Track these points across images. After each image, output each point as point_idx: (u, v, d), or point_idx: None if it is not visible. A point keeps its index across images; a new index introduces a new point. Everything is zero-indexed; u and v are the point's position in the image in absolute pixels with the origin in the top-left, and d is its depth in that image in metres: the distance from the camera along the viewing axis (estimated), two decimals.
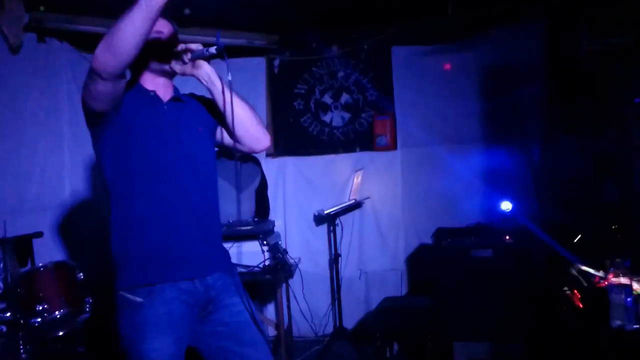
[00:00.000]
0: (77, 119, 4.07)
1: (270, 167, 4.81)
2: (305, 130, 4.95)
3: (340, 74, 4.90)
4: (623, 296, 2.16)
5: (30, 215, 3.66)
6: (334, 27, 4.79)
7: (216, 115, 2.10)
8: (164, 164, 1.93)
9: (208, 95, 2.08)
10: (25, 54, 3.68)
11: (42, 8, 3.74)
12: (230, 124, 1.97)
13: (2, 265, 3.14)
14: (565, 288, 2.96)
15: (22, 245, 3.36)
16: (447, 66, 4.62)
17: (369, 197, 4.75)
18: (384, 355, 3.93)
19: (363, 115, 4.88)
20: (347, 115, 4.91)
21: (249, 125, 2.06)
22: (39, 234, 3.52)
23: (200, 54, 1.92)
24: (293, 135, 4.96)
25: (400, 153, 4.78)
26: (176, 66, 1.97)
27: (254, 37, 4.77)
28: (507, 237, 3.66)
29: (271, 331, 4.42)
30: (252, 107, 2.10)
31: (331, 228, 4.58)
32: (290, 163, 4.87)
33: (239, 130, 2.03)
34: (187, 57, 1.93)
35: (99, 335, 3.83)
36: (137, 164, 1.91)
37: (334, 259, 4.54)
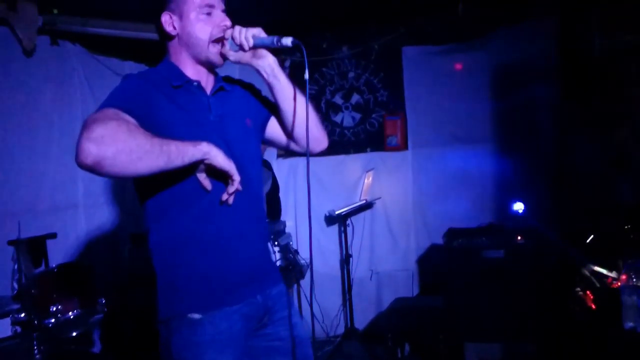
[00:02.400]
0: None
1: (282, 167, 4.82)
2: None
3: (351, 74, 4.90)
4: (635, 297, 2.15)
5: (44, 216, 3.69)
6: (344, 28, 4.79)
7: (269, 107, 1.89)
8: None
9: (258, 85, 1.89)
10: (39, 56, 3.72)
11: (55, 11, 3.77)
12: (291, 125, 1.82)
13: (16, 266, 3.18)
14: (578, 289, 2.94)
15: (36, 246, 3.39)
16: (458, 66, 4.60)
17: (379, 198, 4.74)
18: (395, 356, 3.92)
19: (374, 115, 4.87)
20: (357, 116, 4.91)
21: (313, 125, 1.80)
22: (53, 235, 3.55)
23: (267, 43, 1.67)
24: None
25: (411, 153, 4.77)
26: (230, 52, 1.70)
27: None
28: (519, 238, 3.64)
29: None
30: (313, 107, 1.86)
31: (342, 228, 4.59)
32: (301, 164, 4.87)
33: (299, 130, 1.84)
34: (248, 43, 1.67)
35: (112, 336, 3.87)
36: (177, 172, 1.58)
37: (345, 260, 4.54)
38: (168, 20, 1.71)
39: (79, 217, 4.01)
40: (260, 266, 1.79)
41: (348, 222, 4.62)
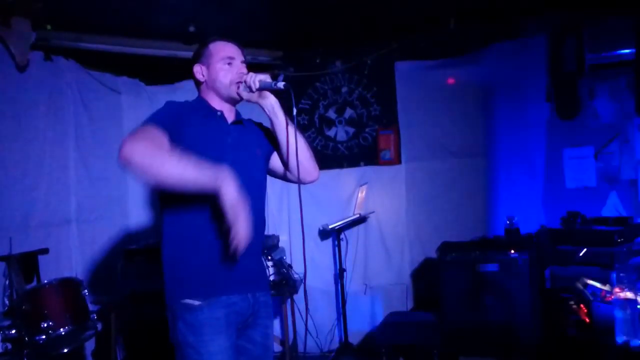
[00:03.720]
0: (83, 135, 4.12)
1: (275, 181, 4.79)
2: (310, 145, 4.95)
3: (344, 89, 4.92)
4: (628, 311, 2.15)
5: (36, 231, 3.67)
6: (337, 43, 4.82)
7: (272, 142, 2.24)
8: None
9: (265, 123, 2.24)
10: (32, 72, 3.72)
11: (48, 27, 3.78)
12: (286, 155, 2.17)
13: (7, 282, 3.16)
14: (572, 302, 2.95)
15: (28, 262, 3.37)
16: (451, 80, 4.63)
17: (373, 212, 4.74)
18: None
19: (367, 129, 4.89)
20: (351, 130, 4.93)
21: (304, 158, 2.19)
22: (45, 251, 3.53)
23: (268, 86, 2.06)
24: None
25: (405, 167, 4.78)
26: (243, 93, 2.10)
27: (258, 53, 4.81)
28: (513, 251, 3.64)
29: (276, 347, 4.40)
30: (307, 142, 2.27)
31: (336, 243, 4.58)
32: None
33: (294, 161, 2.16)
34: (255, 85, 2.06)
35: (105, 352, 3.83)
36: None
37: (339, 274, 4.53)
38: (199, 71, 2.16)
39: (72, 233, 3.98)
40: (255, 270, 2.10)
41: (342, 236, 4.61)
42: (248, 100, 2.12)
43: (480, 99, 4.50)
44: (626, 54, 3.93)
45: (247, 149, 2.16)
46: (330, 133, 4.95)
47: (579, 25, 3.98)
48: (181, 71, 4.49)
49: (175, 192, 1.82)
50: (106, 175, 4.30)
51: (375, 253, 4.78)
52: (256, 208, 2.06)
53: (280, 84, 2.05)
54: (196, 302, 1.93)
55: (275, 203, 4.65)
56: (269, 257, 3.85)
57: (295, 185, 5.04)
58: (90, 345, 3.97)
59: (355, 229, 4.77)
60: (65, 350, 2.80)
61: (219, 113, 2.13)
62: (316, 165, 2.28)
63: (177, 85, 4.76)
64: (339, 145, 4.95)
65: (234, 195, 1.79)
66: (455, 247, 3.88)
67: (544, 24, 4.21)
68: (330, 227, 4.41)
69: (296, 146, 2.12)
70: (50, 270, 3.55)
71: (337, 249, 4.57)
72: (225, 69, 2.12)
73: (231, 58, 2.14)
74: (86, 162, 4.10)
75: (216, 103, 2.15)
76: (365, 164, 4.88)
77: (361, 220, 4.72)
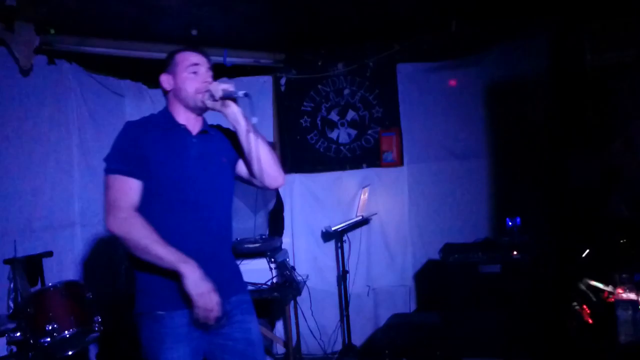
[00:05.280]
0: (86, 138, 4.13)
1: None
2: (312, 147, 4.97)
3: (346, 91, 4.93)
4: (630, 311, 2.15)
5: (40, 235, 3.69)
6: (339, 45, 4.84)
7: (238, 149, 2.27)
8: (188, 196, 2.09)
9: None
10: (36, 75, 3.74)
11: (52, 31, 3.80)
12: (250, 162, 2.21)
13: (12, 285, 3.17)
14: (575, 303, 2.95)
15: (32, 265, 3.38)
16: (453, 82, 4.64)
17: (376, 213, 4.75)
18: None
19: (369, 131, 4.90)
20: (353, 132, 4.94)
21: (266, 164, 2.22)
22: (49, 254, 3.54)
23: (230, 95, 2.12)
24: (300, 153, 4.98)
25: (407, 169, 4.79)
26: (207, 101, 2.15)
27: (260, 56, 4.82)
28: (515, 253, 3.65)
29: (280, 349, 4.42)
30: (272, 148, 2.28)
31: (339, 244, 4.59)
32: (298, 180, 4.89)
33: (256, 167, 2.21)
34: (218, 94, 2.12)
35: (109, 355, 3.84)
36: (162, 195, 2.07)
37: (342, 276, 4.54)
38: (165, 80, 2.21)
39: (75, 236, 4.00)
40: (225, 278, 2.11)
41: (345, 238, 4.63)
42: (212, 109, 2.17)
43: (482, 100, 4.50)
44: (627, 54, 3.92)
45: (212, 159, 2.21)
46: (333, 135, 4.96)
47: (580, 25, 3.98)
48: None
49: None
50: None
51: (378, 255, 4.78)
52: (221, 215, 2.21)
53: (241, 92, 2.11)
54: (160, 312, 2.03)
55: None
56: (272, 260, 3.86)
57: (298, 188, 5.10)
58: (94, 348, 3.98)
59: (358, 231, 4.78)
60: (70, 353, 2.81)
61: (182, 127, 2.18)
62: (281, 171, 2.31)
63: None
64: (342, 148, 4.96)
65: (192, 283, 1.93)
66: (458, 248, 3.89)
67: (545, 24, 4.22)
68: (333, 229, 4.42)
69: (257, 150, 2.17)
70: (54, 273, 3.58)
71: (339, 250, 4.58)
72: (191, 77, 2.17)
73: (196, 65, 2.18)
74: (90, 165, 4.11)
75: (181, 114, 2.20)
76: (368, 166, 4.89)
77: (364, 222, 4.73)
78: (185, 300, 1.98)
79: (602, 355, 2.39)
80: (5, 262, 3.22)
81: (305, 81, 4.97)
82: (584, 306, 2.81)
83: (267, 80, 4.93)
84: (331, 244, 4.81)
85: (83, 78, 4.19)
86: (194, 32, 4.10)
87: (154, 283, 2.05)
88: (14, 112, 3.60)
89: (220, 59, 4.41)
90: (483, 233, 4.26)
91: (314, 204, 4.86)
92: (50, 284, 2.99)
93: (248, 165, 2.26)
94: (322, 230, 4.77)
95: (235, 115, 2.16)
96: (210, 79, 2.19)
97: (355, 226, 4.68)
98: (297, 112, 4.98)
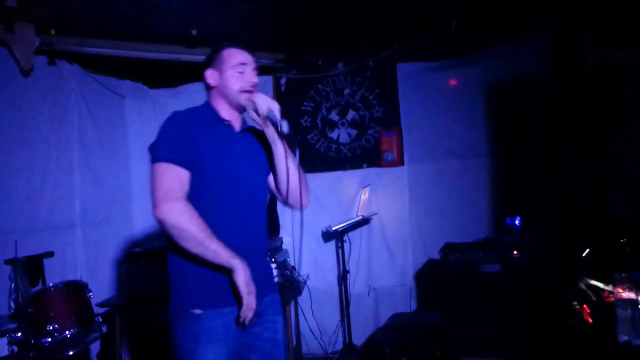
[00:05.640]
0: (87, 139, 4.14)
1: None
2: (313, 147, 4.98)
3: (347, 91, 4.94)
4: (630, 311, 2.15)
5: (41, 235, 3.69)
6: (340, 45, 4.84)
7: (270, 160, 2.26)
8: (230, 191, 2.09)
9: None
10: (36, 76, 3.75)
11: (52, 32, 3.81)
12: (280, 181, 2.23)
13: (13, 285, 3.17)
14: (575, 303, 2.94)
15: (33, 265, 3.38)
16: (453, 82, 4.65)
17: (376, 213, 4.75)
18: None
19: (369, 131, 4.91)
20: (353, 132, 4.94)
21: (294, 188, 2.22)
22: (50, 254, 3.55)
23: (273, 121, 2.09)
24: (300, 152, 4.95)
25: (407, 169, 4.80)
26: (250, 111, 2.14)
27: (260, 56, 4.80)
28: (515, 252, 3.65)
29: None
30: (303, 176, 2.28)
31: (339, 244, 4.60)
32: None
33: (283, 189, 2.24)
34: (263, 112, 2.09)
35: (110, 355, 3.85)
36: (206, 189, 2.05)
37: (343, 276, 4.55)
38: (210, 75, 2.19)
39: (76, 236, 4.00)
40: (257, 277, 2.03)
41: (345, 238, 4.63)
42: (254, 119, 2.15)
43: (482, 99, 4.51)
44: (628, 53, 3.92)
45: (253, 156, 2.23)
46: (333, 135, 4.97)
47: (581, 24, 3.97)
48: (184, 74, 4.57)
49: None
50: (110, 178, 4.34)
51: (379, 254, 4.79)
52: (259, 213, 2.21)
53: (285, 128, 2.07)
54: (197, 311, 1.99)
55: (278, 206, 4.65)
56: (273, 259, 3.86)
57: None
58: (95, 348, 3.99)
59: (358, 231, 4.78)
60: (71, 353, 2.81)
61: (226, 122, 2.17)
62: (306, 195, 2.29)
63: (180, 88, 4.79)
64: (342, 147, 4.96)
65: (244, 281, 1.92)
66: (459, 248, 3.89)
67: (545, 24, 4.22)
68: (333, 228, 4.42)
69: (290, 175, 2.19)
70: (55, 274, 3.58)
71: (340, 250, 4.58)
72: (237, 76, 2.15)
73: (243, 65, 2.16)
74: (90, 165, 4.12)
75: (225, 110, 2.19)
76: (368, 166, 4.89)
77: (364, 221, 4.73)
78: (222, 298, 1.98)
79: (601, 355, 2.39)
80: (6, 262, 3.23)
81: (305, 81, 4.97)
82: (584, 305, 2.80)
83: (267, 80, 4.94)
84: (332, 244, 4.82)
85: (83, 78, 4.19)
86: (194, 32, 4.11)
87: (190, 281, 2.04)
88: (15, 113, 3.60)
89: None
90: (483, 233, 4.26)
91: (315, 203, 4.86)
92: (51, 284, 2.99)
93: (276, 181, 2.27)
94: (322, 230, 4.78)
95: (273, 139, 2.16)
96: (256, 79, 2.18)
97: (355, 226, 4.68)
98: (298, 112, 4.98)
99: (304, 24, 4.32)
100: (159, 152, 2.02)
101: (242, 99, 2.15)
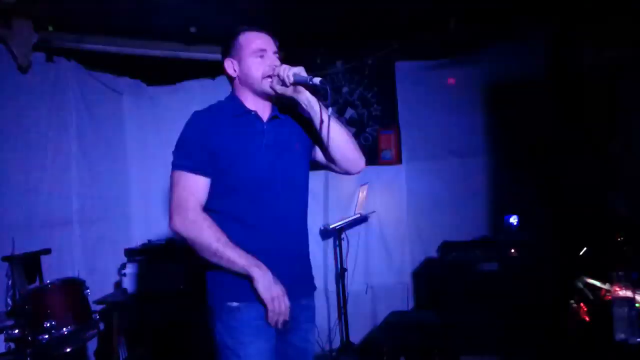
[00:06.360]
0: (85, 136, 4.13)
1: None
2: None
3: (345, 89, 4.93)
4: (627, 309, 2.16)
5: (39, 232, 3.69)
6: (338, 43, 4.83)
7: (313, 135, 2.14)
8: (261, 186, 1.99)
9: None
10: (34, 73, 3.74)
11: (50, 28, 3.80)
12: (328, 148, 2.07)
13: (10, 282, 3.18)
14: (572, 301, 2.95)
15: (30, 262, 3.39)
16: (451, 81, 4.65)
17: (374, 211, 4.75)
18: None
19: (368, 129, 4.90)
20: (351, 130, 4.93)
21: (345, 149, 2.11)
22: (47, 251, 3.55)
23: (303, 81, 1.94)
24: None
25: (405, 167, 4.80)
26: (277, 87, 2.00)
27: None
28: (513, 251, 3.66)
29: None
30: (349, 133, 2.14)
31: (337, 242, 4.59)
32: None
33: (335, 153, 2.10)
34: (289, 80, 1.95)
35: (107, 352, 3.85)
36: (235, 187, 1.97)
37: (340, 273, 4.54)
38: (230, 65, 2.08)
39: (74, 233, 3.99)
40: (297, 276, 2.07)
41: (343, 236, 4.62)
42: (282, 95, 2.02)
43: (481, 98, 4.51)
44: (625, 53, 3.92)
45: (286, 147, 2.08)
46: None
47: (578, 24, 3.98)
48: (182, 72, 4.56)
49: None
50: (108, 175, 4.32)
51: (376, 252, 4.78)
52: (296, 207, 2.12)
53: (316, 80, 1.91)
54: (235, 304, 1.95)
55: None
56: None
57: None
58: (92, 345, 3.98)
59: (356, 229, 4.77)
60: (68, 350, 2.82)
61: (252, 113, 2.06)
62: (361, 155, 2.18)
63: (178, 85, 4.77)
64: None
65: (264, 287, 1.89)
66: (456, 246, 3.90)
67: (544, 23, 4.22)
68: (331, 226, 4.42)
69: (328, 137, 2.03)
70: (52, 270, 3.57)
71: (338, 248, 4.57)
72: (257, 62, 2.03)
73: (263, 50, 2.04)
74: (88, 162, 4.11)
75: (250, 100, 2.07)
76: (366, 164, 4.87)
77: (362, 220, 4.72)
78: (258, 295, 1.92)
79: (598, 353, 2.39)
80: (4, 259, 3.23)
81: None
82: (582, 304, 2.81)
83: None
84: (329, 242, 4.81)
85: (81, 75, 4.18)
86: (193, 29, 4.10)
87: (225, 276, 1.96)
88: (12, 110, 3.60)
89: (218, 56, 4.40)
90: (481, 231, 4.27)
91: (312, 201, 4.81)
92: (48, 281, 2.99)
93: (325, 151, 2.12)
94: (320, 228, 4.77)
95: (309, 100, 1.99)
96: (277, 62, 2.05)
97: (353, 224, 4.67)
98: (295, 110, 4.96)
99: (302, 22, 4.31)
100: (174, 159, 1.99)
101: (267, 85, 2.02)
